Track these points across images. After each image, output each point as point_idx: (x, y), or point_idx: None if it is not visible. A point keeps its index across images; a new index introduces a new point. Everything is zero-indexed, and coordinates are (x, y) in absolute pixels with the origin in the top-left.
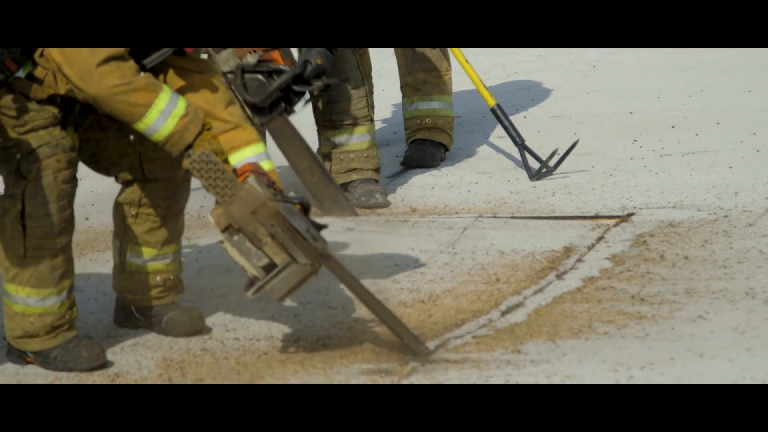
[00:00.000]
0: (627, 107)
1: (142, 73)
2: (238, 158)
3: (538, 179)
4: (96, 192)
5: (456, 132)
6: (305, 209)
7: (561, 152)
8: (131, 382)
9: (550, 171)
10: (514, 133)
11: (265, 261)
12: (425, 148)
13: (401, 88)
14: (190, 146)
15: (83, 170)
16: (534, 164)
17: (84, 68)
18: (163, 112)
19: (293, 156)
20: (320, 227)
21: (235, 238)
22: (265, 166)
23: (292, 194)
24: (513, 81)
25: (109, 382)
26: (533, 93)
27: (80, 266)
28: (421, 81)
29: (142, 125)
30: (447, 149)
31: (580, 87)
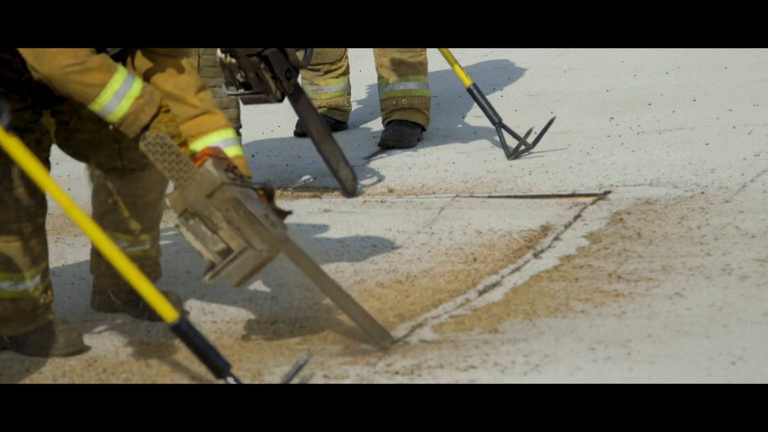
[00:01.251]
0: (603, 85)
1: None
2: (204, 143)
3: (516, 158)
4: (73, 177)
5: (432, 112)
6: (268, 195)
7: (537, 131)
8: (108, 366)
9: (529, 148)
10: (491, 112)
11: (221, 246)
12: (402, 128)
13: (376, 69)
14: (146, 128)
15: (59, 155)
16: (511, 143)
17: (37, 47)
18: (117, 93)
19: (317, 133)
20: (283, 213)
21: (191, 222)
22: (231, 152)
23: (253, 180)
24: (489, 60)
25: (86, 366)
26: (510, 72)
27: (57, 250)
28: (397, 62)
29: (97, 106)
30: (424, 129)
31: (556, 65)
